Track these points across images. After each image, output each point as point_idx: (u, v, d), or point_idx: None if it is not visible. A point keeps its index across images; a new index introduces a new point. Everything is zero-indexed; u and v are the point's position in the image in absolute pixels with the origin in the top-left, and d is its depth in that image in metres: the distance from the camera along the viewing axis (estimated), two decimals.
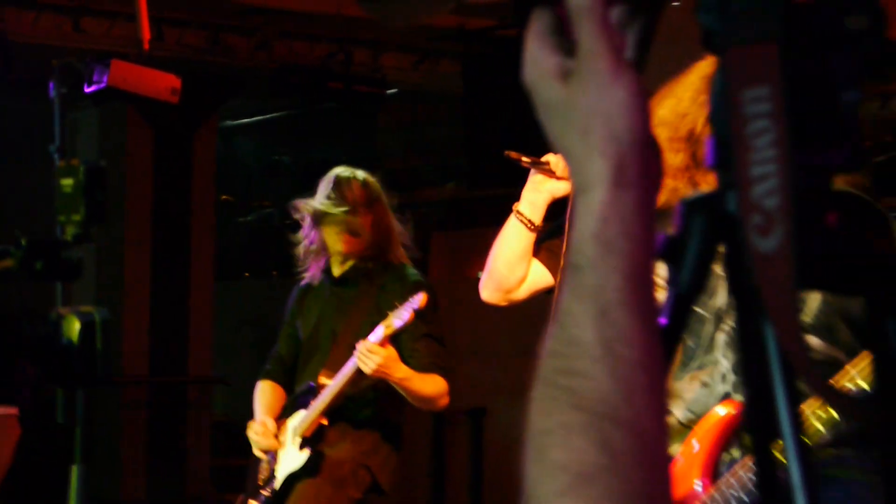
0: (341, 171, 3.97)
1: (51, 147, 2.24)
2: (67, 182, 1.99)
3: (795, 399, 0.89)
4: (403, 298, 3.67)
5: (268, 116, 10.61)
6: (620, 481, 0.73)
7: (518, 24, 0.86)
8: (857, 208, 0.90)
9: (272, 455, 3.88)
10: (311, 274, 3.96)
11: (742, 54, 0.80)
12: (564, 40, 0.81)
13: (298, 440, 3.82)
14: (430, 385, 3.72)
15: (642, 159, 0.80)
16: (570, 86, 0.82)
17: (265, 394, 3.94)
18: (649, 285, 0.81)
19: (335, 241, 3.88)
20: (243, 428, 4.16)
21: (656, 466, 0.77)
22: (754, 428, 0.94)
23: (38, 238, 1.51)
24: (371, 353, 3.57)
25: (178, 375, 8.65)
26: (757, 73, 0.78)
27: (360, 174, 3.99)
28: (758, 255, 0.80)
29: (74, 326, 1.41)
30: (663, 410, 0.82)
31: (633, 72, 0.82)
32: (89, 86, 4.04)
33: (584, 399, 0.75)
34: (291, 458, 3.82)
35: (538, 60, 0.84)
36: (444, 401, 3.86)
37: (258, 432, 3.87)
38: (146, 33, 5.10)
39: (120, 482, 8.25)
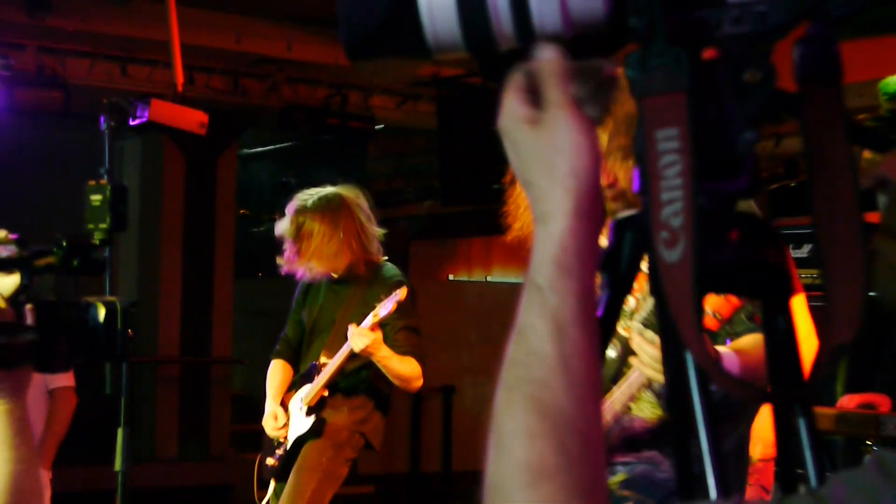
0: (339, 191, 4.04)
1: (101, 169, 2.30)
2: (97, 198, 2.06)
3: (704, 379, 0.89)
4: (388, 293, 3.71)
5: (277, 146, 10.75)
6: (573, 479, 0.75)
7: (482, 75, 0.88)
8: (755, 227, 0.91)
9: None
10: (308, 275, 4.08)
11: (656, 102, 0.79)
12: (534, 96, 0.81)
13: (305, 409, 3.86)
14: (408, 367, 3.79)
15: (596, 195, 0.82)
16: (538, 131, 0.83)
17: (276, 370, 4.03)
18: (595, 305, 0.85)
19: (336, 258, 3.92)
20: (258, 399, 4.32)
21: (600, 466, 0.79)
22: (672, 397, 0.96)
23: (76, 240, 1.61)
24: (361, 335, 3.63)
25: (203, 356, 8.80)
26: (668, 117, 0.78)
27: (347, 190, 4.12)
28: (663, 264, 0.81)
29: (101, 312, 1.48)
30: (602, 416, 0.85)
31: (589, 123, 0.83)
32: (134, 120, 4.05)
33: (546, 407, 0.76)
34: (299, 423, 3.90)
35: (513, 110, 0.83)
36: (419, 382, 3.90)
37: (271, 426, 3.86)
38: (180, 78, 5.33)
39: (155, 443, 8.36)
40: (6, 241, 1.57)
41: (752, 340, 2.42)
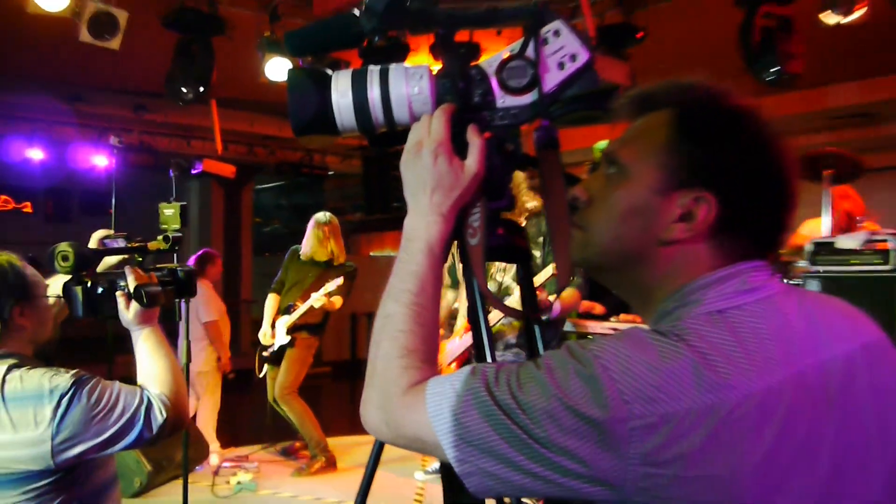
0: (320, 216, 5.44)
1: (170, 198, 2.94)
2: (169, 209, 2.77)
3: (486, 316, 1.20)
4: (337, 276, 5.21)
5: (275, 184, 14.26)
6: (428, 353, 0.99)
7: (370, 144, 1.25)
8: (512, 226, 1.19)
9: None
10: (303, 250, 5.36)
11: None
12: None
13: (285, 329, 5.31)
14: (338, 304, 5.29)
15: (457, 205, 1.05)
16: (416, 164, 1.06)
17: (271, 301, 5.48)
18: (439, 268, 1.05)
19: (319, 252, 5.36)
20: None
21: (436, 346, 1.03)
22: (471, 313, 1.23)
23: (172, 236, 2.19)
24: (319, 297, 5.15)
25: (236, 298, 12.25)
26: None
27: (325, 216, 5.42)
28: (469, 246, 1.10)
29: (183, 272, 1.99)
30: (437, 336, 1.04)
31: (457, 158, 1.06)
32: (194, 170, 6.41)
33: (403, 343, 0.99)
34: (282, 337, 5.31)
35: (408, 152, 1.08)
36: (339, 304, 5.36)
37: (265, 334, 5.41)
38: (219, 147, 8.09)
39: None
40: (116, 236, 2.14)
41: (568, 293, 3.37)
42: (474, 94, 1.13)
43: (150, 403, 1.64)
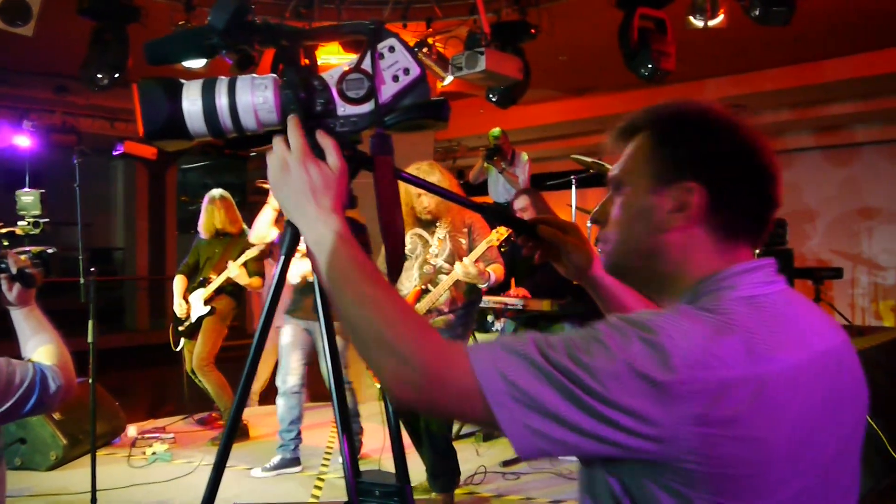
0: (213, 192, 5.44)
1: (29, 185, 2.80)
2: (28, 196, 2.78)
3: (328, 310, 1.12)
4: (246, 248, 5.13)
5: (200, 164, 13.86)
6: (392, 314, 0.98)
7: (224, 147, 1.28)
8: (357, 226, 1.17)
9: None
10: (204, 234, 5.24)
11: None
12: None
13: (202, 301, 5.27)
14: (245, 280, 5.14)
15: (338, 201, 1.07)
16: (289, 175, 1.08)
17: (179, 281, 5.46)
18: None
19: (209, 226, 5.40)
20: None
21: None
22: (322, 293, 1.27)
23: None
24: (235, 266, 5.15)
25: (161, 274, 12.15)
26: None
27: (217, 192, 5.42)
28: (307, 246, 1.11)
29: (46, 255, 2.07)
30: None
31: (321, 161, 1.08)
32: (115, 151, 5.66)
33: (401, 314, 0.97)
34: (199, 308, 5.27)
35: (275, 174, 1.10)
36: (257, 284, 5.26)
37: (181, 310, 5.38)
38: (141, 129, 8.13)
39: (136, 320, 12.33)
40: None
41: (496, 267, 3.81)
42: (316, 104, 1.16)
43: (43, 374, 1.65)
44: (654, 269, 1.03)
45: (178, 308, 5.34)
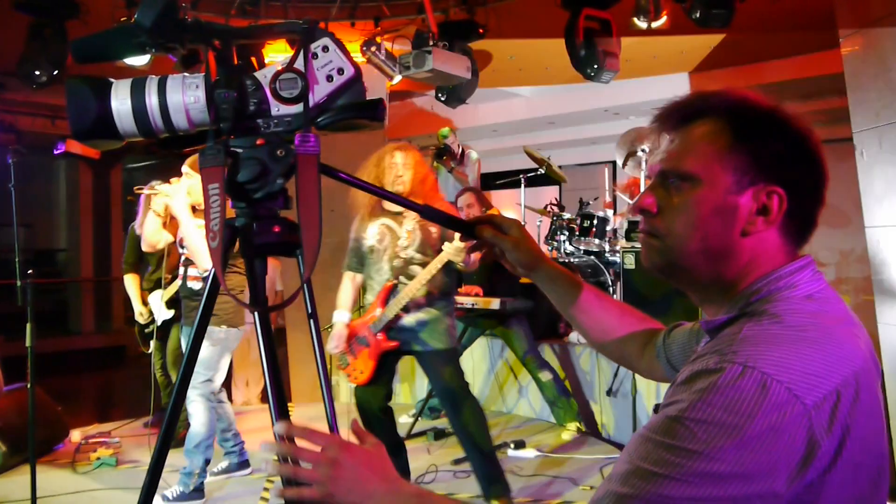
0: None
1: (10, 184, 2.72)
2: None
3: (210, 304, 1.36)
4: None
5: (147, 163, 13.18)
6: None
7: (157, 146, 1.23)
8: (287, 224, 1.20)
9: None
10: None
11: (207, 171, 1.12)
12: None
13: (163, 304, 4.97)
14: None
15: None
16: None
17: (130, 280, 5.14)
18: None
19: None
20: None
21: None
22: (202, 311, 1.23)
23: None
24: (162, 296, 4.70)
25: (106, 276, 11.89)
26: (213, 178, 1.11)
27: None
28: (210, 249, 1.13)
29: None
30: None
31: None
32: (56, 150, 6.07)
33: None
34: (162, 312, 4.97)
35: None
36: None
37: (140, 314, 5.02)
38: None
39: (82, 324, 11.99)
40: None
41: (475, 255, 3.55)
42: (249, 103, 1.16)
43: None
44: (716, 272, 0.98)
45: (139, 315, 5.03)
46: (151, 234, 4.33)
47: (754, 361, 0.82)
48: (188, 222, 3.46)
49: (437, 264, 3.51)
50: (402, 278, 3.62)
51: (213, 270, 1.18)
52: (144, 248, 4.45)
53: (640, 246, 1.05)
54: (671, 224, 0.99)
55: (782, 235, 0.97)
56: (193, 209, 3.61)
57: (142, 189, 4.27)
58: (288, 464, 0.97)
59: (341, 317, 3.69)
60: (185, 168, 3.72)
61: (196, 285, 3.82)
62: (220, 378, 3.97)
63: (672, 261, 1.00)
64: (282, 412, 1.09)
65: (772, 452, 0.79)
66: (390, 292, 3.62)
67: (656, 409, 0.97)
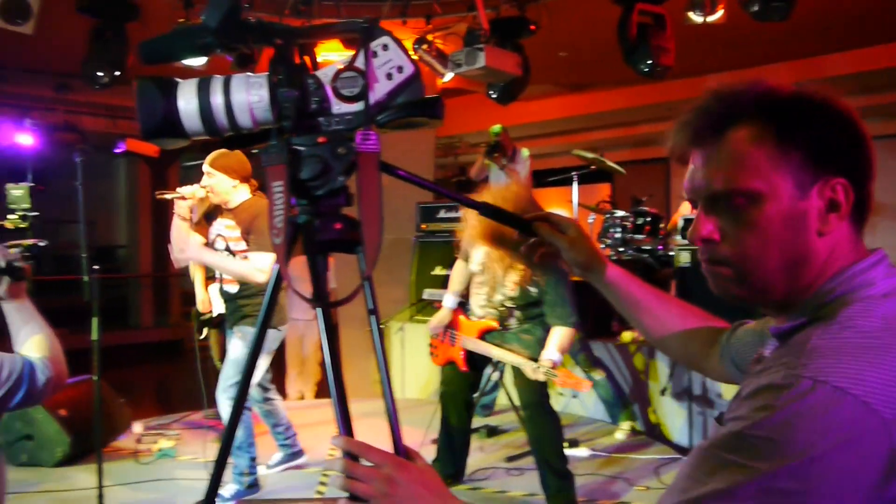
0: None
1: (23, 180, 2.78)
2: (18, 190, 2.79)
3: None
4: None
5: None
6: None
7: (222, 145, 1.25)
8: (349, 220, 1.20)
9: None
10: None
11: (271, 169, 1.13)
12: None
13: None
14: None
15: None
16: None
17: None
18: None
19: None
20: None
21: None
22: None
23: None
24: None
25: (165, 272, 12.19)
26: (276, 176, 1.12)
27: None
28: (273, 245, 1.12)
29: (38, 249, 2.04)
30: None
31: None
32: (117, 149, 5.97)
33: None
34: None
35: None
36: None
37: (203, 302, 4.94)
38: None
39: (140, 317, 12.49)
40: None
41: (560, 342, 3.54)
42: (311, 102, 1.17)
43: (31, 366, 1.66)
44: (794, 282, 0.91)
45: (201, 303, 5.01)
46: (179, 239, 4.25)
47: (825, 375, 0.77)
48: (213, 261, 3.48)
49: (517, 361, 3.63)
50: (503, 323, 3.74)
51: (276, 267, 1.18)
52: (176, 254, 4.33)
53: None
54: (741, 248, 0.92)
55: (852, 225, 0.91)
56: (208, 216, 3.59)
57: (163, 195, 4.26)
58: (346, 478, 0.98)
59: (449, 302, 3.82)
60: (206, 167, 3.73)
61: (232, 288, 3.85)
62: (256, 379, 4.01)
63: (749, 285, 0.94)
64: (345, 420, 1.08)
65: (844, 470, 0.73)
66: (488, 332, 3.71)
67: (719, 418, 0.89)
